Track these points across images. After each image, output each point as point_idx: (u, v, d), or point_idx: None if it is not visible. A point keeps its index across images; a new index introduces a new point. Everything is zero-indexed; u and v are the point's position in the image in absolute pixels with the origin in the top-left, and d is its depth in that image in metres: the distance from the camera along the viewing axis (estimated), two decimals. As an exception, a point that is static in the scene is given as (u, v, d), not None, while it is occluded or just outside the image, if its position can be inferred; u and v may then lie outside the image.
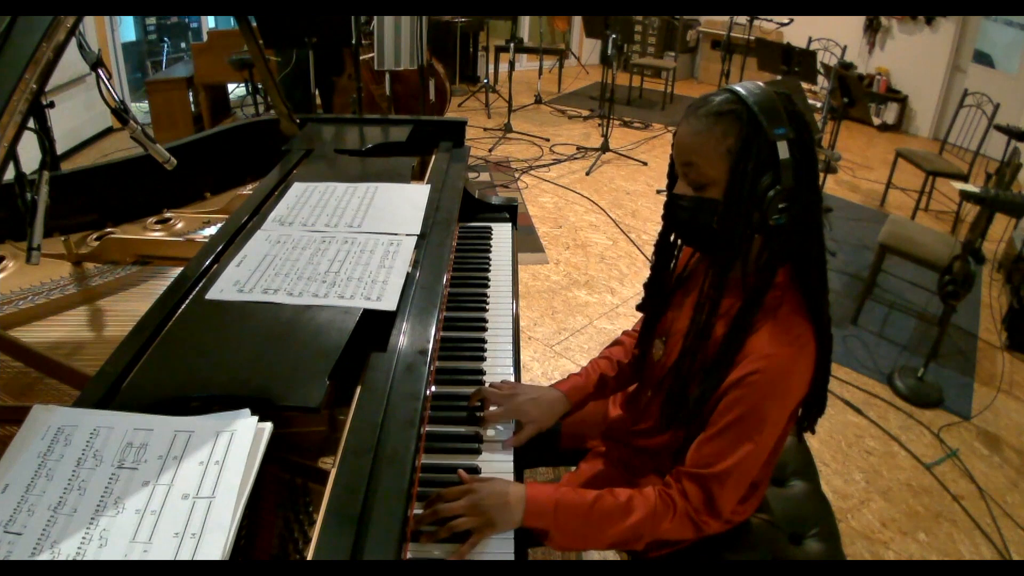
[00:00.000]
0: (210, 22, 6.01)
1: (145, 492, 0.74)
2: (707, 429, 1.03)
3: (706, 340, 1.05)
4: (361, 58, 4.13)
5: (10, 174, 0.97)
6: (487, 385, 1.22)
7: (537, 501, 0.99)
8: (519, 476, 1.08)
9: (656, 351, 1.21)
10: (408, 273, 1.20)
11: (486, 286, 1.55)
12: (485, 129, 5.60)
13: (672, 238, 1.16)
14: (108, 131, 5.07)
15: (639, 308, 1.27)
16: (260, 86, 4.63)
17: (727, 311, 1.04)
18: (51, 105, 1.61)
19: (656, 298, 1.22)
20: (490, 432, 1.15)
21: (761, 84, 0.99)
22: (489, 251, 1.69)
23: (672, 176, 1.09)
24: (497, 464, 1.09)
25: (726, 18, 6.34)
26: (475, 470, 1.07)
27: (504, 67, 6.47)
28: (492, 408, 1.17)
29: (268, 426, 0.82)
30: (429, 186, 1.56)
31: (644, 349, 1.26)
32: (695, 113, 0.99)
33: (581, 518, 1.01)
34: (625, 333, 1.39)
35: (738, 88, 0.98)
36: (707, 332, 1.05)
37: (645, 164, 5.14)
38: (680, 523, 1.02)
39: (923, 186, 4.48)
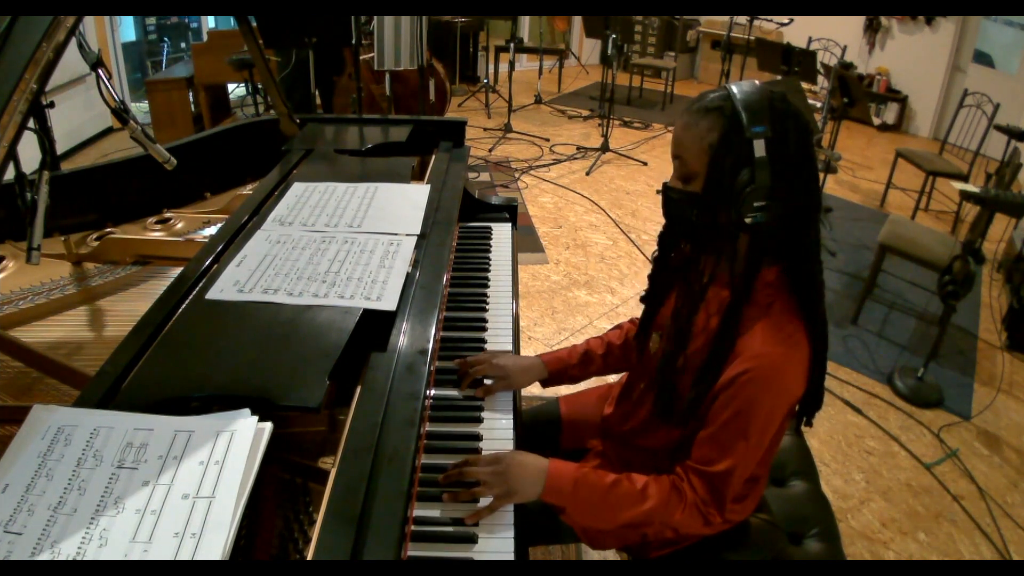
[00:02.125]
0: (210, 22, 6.00)
1: (145, 492, 0.74)
2: (705, 427, 1.04)
3: (689, 331, 1.07)
4: (361, 58, 4.13)
5: (10, 174, 0.97)
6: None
7: (557, 477, 1.04)
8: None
9: (652, 344, 1.22)
10: (408, 273, 1.20)
11: (486, 286, 1.54)
12: (485, 129, 5.59)
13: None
14: (108, 131, 5.07)
15: (642, 300, 1.27)
16: (260, 86, 4.62)
17: (718, 307, 1.05)
18: (51, 105, 1.61)
19: (657, 290, 1.23)
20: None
21: (758, 83, 1.00)
22: (489, 251, 1.69)
23: None
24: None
25: (726, 18, 6.34)
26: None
27: (504, 67, 6.47)
28: (473, 365, 1.24)
29: (268, 426, 0.82)
30: (429, 186, 1.56)
31: (641, 342, 1.27)
32: (688, 110, 1.02)
33: (598, 499, 1.04)
34: (630, 320, 1.40)
35: (732, 86, 0.99)
36: (689, 323, 1.07)
37: (645, 164, 5.14)
38: (690, 514, 1.04)
39: (923, 186, 4.48)
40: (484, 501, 0.99)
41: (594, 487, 1.05)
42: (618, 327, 1.41)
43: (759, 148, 0.94)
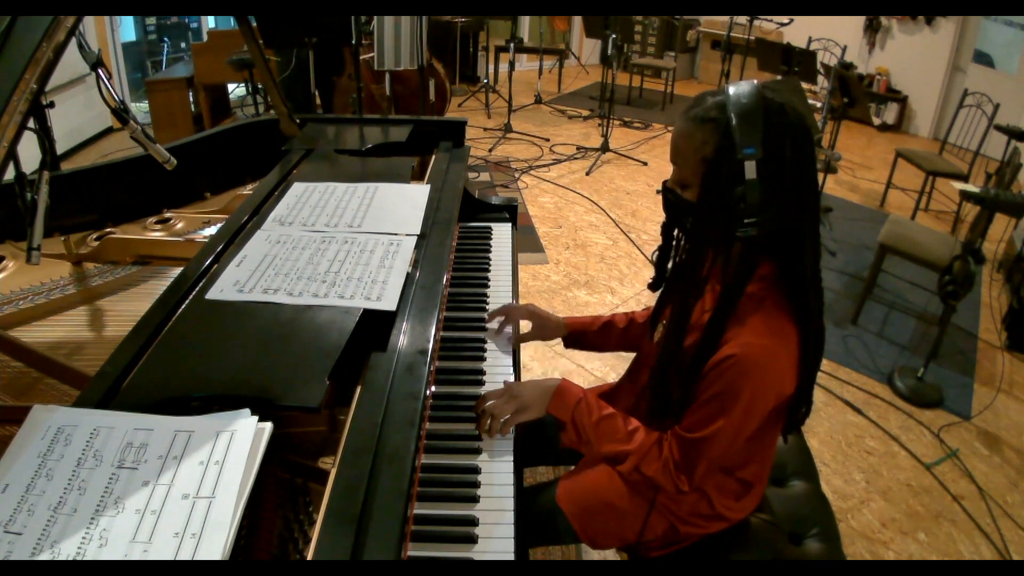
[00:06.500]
0: (210, 22, 6.00)
1: (145, 492, 0.74)
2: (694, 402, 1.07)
3: (684, 329, 1.08)
4: (361, 58, 4.12)
5: (10, 174, 0.97)
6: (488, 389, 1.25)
7: (564, 392, 1.17)
8: (519, 474, 1.09)
9: (657, 333, 1.23)
10: (408, 273, 1.20)
11: (486, 286, 1.55)
12: (485, 129, 5.59)
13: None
14: (108, 131, 5.07)
15: (650, 287, 1.27)
16: (260, 86, 4.62)
17: (712, 303, 1.06)
18: (51, 105, 1.61)
19: (662, 279, 1.23)
20: (492, 325, 1.38)
21: (756, 89, 0.97)
22: (489, 251, 1.69)
23: None
24: (498, 464, 1.09)
25: (726, 18, 6.33)
26: (475, 470, 1.07)
27: (504, 67, 6.46)
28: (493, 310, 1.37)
29: (268, 426, 0.82)
30: (429, 186, 1.56)
31: (650, 331, 1.27)
32: (686, 114, 1.02)
33: (592, 424, 1.14)
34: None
35: (731, 90, 0.98)
36: (686, 318, 1.08)
37: (645, 164, 5.14)
38: (663, 472, 1.09)
39: (923, 186, 4.47)
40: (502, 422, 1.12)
41: (591, 411, 1.15)
42: (646, 309, 1.43)
43: (750, 169, 0.94)
